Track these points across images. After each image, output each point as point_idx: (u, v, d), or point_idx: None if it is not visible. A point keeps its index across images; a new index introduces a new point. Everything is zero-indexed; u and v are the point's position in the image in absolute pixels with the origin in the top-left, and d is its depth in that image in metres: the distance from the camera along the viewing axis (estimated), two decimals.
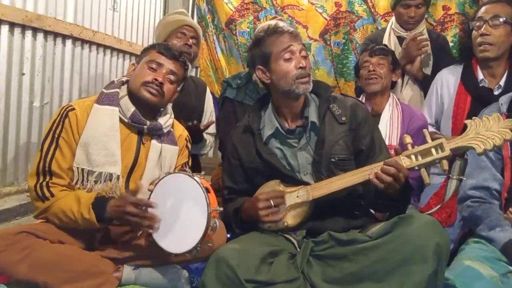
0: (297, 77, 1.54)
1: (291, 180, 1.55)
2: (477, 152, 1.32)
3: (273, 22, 1.93)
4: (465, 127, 1.37)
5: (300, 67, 1.54)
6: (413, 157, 1.38)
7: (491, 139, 1.30)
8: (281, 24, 1.64)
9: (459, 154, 1.42)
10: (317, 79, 1.78)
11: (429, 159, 1.36)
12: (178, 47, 2.24)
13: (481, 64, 2.09)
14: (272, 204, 1.49)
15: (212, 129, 2.44)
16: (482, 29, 1.98)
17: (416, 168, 1.38)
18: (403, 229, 1.24)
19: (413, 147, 1.40)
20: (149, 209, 1.41)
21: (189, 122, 2.11)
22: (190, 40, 2.34)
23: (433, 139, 1.37)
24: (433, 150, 1.36)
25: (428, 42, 2.55)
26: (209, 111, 2.49)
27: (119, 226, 1.50)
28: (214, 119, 2.49)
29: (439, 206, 1.52)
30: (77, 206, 1.43)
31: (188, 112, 2.34)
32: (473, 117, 1.38)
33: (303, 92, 1.56)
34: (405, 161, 1.38)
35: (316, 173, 1.55)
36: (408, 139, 1.40)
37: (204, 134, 2.35)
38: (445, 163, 1.35)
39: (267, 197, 1.50)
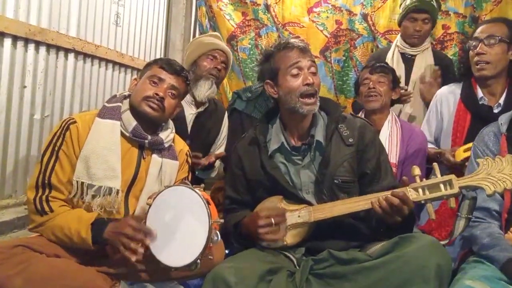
0: (302, 94, 1.53)
1: (293, 197, 1.54)
2: (486, 193, 1.29)
3: (284, 39, 1.93)
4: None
5: (307, 84, 1.53)
6: (420, 190, 1.36)
7: (502, 181, 1.26)
8: (292, 40, 1.64)
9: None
10: (326, 97, 1.78)
11: (436, 194, 1.33)
12: (207, 69, 2.28)
13: (479, 83, 2.10)
14: (273, 222, 1.47)
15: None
16: (478, 48, 2.01)
17: (423, 202, 1.35)
18: (404, 249, 1.24)
19: (421, 179, 1.37)
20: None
21: (207, 161, 2.16)
22: (220, 65, 2.37)
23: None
24: (441, 185, 1.33)
25: (412, 96, 2.45)
26: (223, 135, 2.51)
27: None
28: (225, 144, 2.49)
29: (448, 240, 1.48)
30: (77, 224, 1.42)
31: (205, 133, 2.37)
32: (486, 157, 1.35)
33: (307, 113, 1.56)
34: (411, 194, 1.35)
35: (318, 193, 1.54)
36: (416, 171, 1.38)
37: None
38: (453, 200, 1.32)
39: (268, 215, 1.48)
